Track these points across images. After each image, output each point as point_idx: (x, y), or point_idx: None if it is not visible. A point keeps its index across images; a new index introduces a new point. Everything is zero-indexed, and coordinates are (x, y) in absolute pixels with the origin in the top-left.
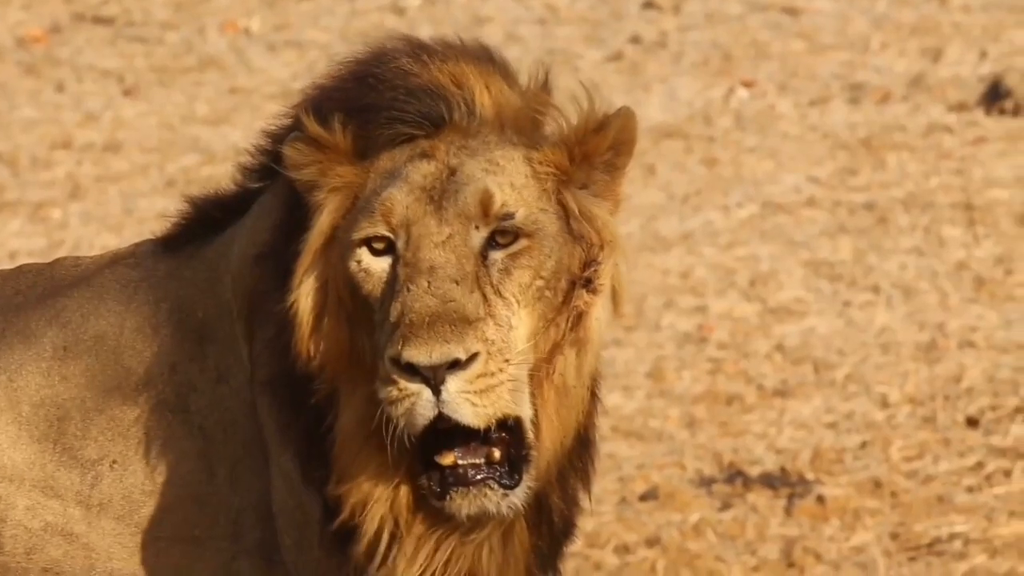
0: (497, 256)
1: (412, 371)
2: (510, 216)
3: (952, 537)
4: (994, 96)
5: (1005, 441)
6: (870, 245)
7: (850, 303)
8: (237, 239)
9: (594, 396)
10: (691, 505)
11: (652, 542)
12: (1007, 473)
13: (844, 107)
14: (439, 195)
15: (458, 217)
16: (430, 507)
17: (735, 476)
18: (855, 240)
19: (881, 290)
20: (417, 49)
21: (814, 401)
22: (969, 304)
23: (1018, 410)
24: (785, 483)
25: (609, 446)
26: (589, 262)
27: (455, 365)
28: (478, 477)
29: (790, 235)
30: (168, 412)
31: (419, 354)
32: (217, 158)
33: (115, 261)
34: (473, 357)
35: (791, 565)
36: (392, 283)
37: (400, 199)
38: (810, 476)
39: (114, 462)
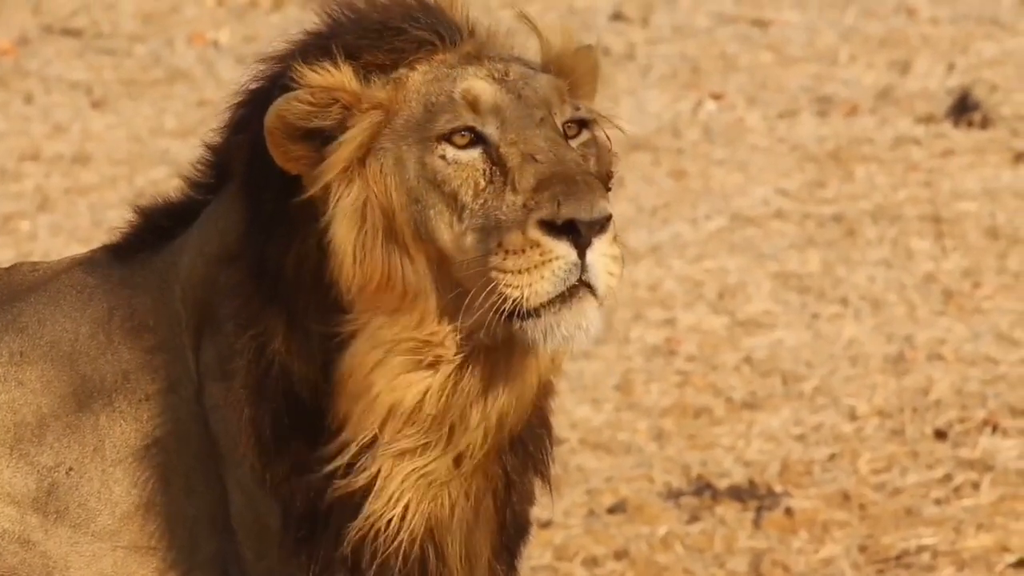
0: (573, 144)
1: (566, 231)
2: (578, 106)
3: (920, 549)
4: (962, 108)
5: (973, 453)
6: (838, 257)
7: (818, 315)
8: (186, 249)
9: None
10: (659, 518)
11: (620, 555)
12: (975, 485)
13: (812, 120)
14: (512, 86)
15: (542, 103)
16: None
17: (703, 489)
18: (823, 252)
19: (849, 302)
20: None
21: (782, 413)
22: (937, 316)
23: (986, 422)
24: (753, 496)
25: (577, 458)
26: (609, 174)
27: (604, 225)
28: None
29: (758, 247)
30: (122, 420)
31: (580, 209)
32: (185, 170)
33: (72, 267)
34: (610, 218)
35: None
36: (489, 171)
37: (484, 87)
38: (778, 488)
39: (70, 469)
